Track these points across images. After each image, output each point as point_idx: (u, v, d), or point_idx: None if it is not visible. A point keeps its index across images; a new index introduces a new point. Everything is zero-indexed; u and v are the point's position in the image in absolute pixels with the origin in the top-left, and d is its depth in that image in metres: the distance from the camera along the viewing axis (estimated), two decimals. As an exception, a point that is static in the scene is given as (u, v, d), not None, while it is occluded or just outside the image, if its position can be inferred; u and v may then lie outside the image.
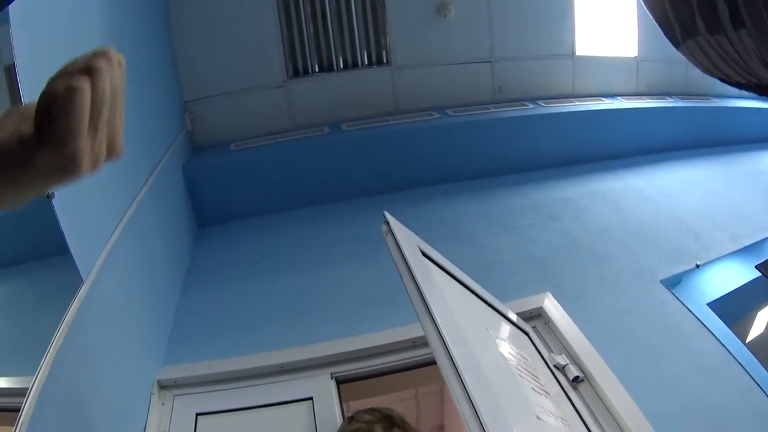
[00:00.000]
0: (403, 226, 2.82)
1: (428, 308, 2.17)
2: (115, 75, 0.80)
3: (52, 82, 0.75)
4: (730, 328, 4.68)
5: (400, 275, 2.40)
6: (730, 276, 5.61)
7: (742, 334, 5.96)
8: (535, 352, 3.61)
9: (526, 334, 3.75)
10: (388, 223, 2.71)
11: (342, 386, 3.74)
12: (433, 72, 7.48)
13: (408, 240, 2.67)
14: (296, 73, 6.84)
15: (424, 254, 2.78)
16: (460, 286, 3.14)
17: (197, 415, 3.48)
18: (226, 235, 6.07)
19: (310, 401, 3.55)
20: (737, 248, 5.96)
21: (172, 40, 6.31)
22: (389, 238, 2.61)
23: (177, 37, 6.33)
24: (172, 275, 4.89)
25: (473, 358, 2.08)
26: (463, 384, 1.90)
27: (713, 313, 4.86)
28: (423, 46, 7.38)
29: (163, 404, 3.53)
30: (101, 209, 3.41)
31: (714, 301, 5.08)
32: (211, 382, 3.71)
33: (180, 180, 5.83)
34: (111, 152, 0.83)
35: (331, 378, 3.71)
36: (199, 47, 6.46)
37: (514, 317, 3.71)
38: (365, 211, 6.10)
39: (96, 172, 0.80)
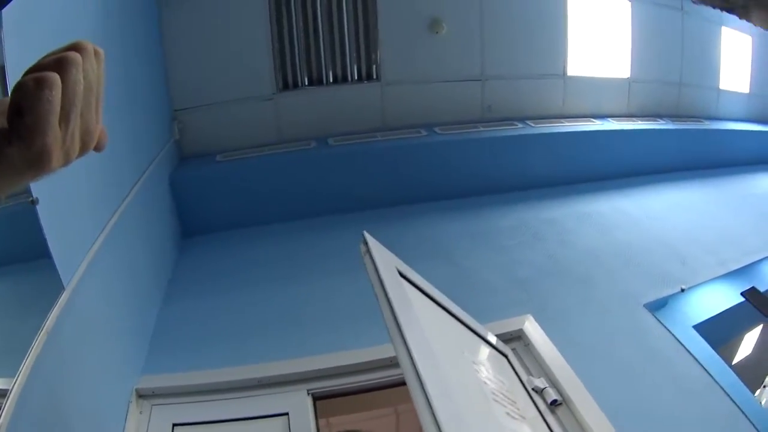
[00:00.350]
0: (382, 247, 2.85)
1: (401, 332, 2.21)
2: (90, 67, 0.82)
3: (24, 76, 0.75)
4: (715, 351, 4.73)
5: (377, 297, 2.43)
6: (717, 299, 5.66)
7: (728, 356, 6.01)
8: (514, 375, 3.65)
9: (505, 356, 3.79)
10: (366, 243, 2.74)
11: (319, 402, 3.78)
12: (422, 89, 7.53)
13: (386, 261, 2.71)
14: (286, 86, 6.86)
15: (403, 275, 2.81)
16: (439, 309, 3.18)
17: (174, 425, 3.53)
18: (210, 246, 6.09)
19: (286, 416, 3.60)
20: (725, 272, 5.99)
21: (164, 49, 6.33)
22: (367, 259, 2.64)
23: (169, 46, 6.36)
24: (154, 284, 4.92)
25: (443, 383, 2.11)
26: (431, 409, 1.94)
27: (699, 335, 4.91)
28: (413, 63, 7.43)
29: (140, 413, 3.57)
30: (85, 216, 3.46)
31: (700, 323, 5.14)
32: (188, 393, 3.76)
33: (166, 189, 5.86)
34: (85, 146, 0.84)
35: (308, 394, 3.75)
36: (191, 57, 6.49)
37: (493, 340, 3.75)
38: (350, 226, 5.80)
39: (68, 165, 0.82)
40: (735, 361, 6.74)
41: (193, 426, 3.54)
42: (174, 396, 3.73)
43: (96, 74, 0.83)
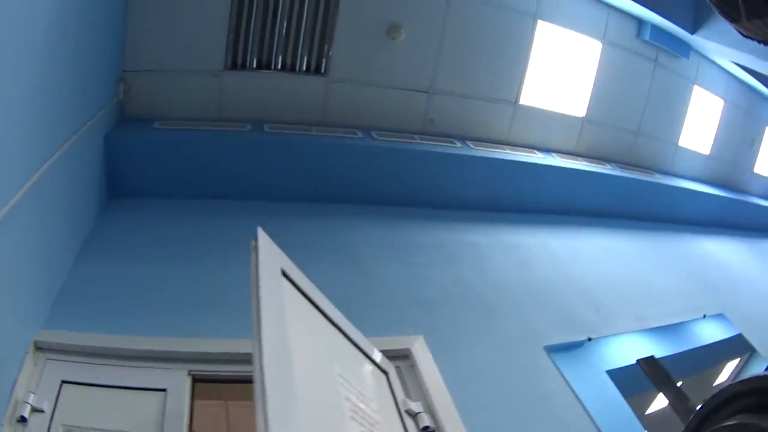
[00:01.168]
0: (273, 245, 2.99)
1: (259, 331, 2.36)
2: None
3: None
4: (626, 399, 4.97)
5: (251, 295, 2.57)
6: (624, 354, 5.79)
7: (642, 406, 6.23)
8: (389, 394, 3.80)
9: (386, 374, 3.92)
10: (257, 239, 2.85)
11: (198, 384, 3.93)
12: (367, 91, 7.65)
13: (271, 260, 2.85)
14: (234, 65, 6.96)
15: (289, 278, 2.97)
16: (321, 317, 3.30)
17: (62, 382, 3.65)
18: (133, 212, 6.10)
19: (164, 392, 3.74)
20: (640, 329, 6.17)
21: (127, 8, 6.31)
22: (253, 255, 2.76)
23: (133, 5, 6.33)
24: (69, 241, 5.00)
25: (288, 389, 2.26)
26: (265, 412, 2.03)
27: (610, 380, 5.18)
28: (364, 64, 7.55)
29: (35, 365, 3.71)
30: (12, 163, 3.57)
31: (613, 370, 5.36)
32: (80, 353, 3.88)
33: (99, 147, 5.90)
34: None
35: (188, 375, 3.90)
36: (152, 20, 6.48)
37: (377, 356, 3.89)
38: (272, 215, 6.01)
39: None
40: (648, 411, 6.97)
41: (79, 385, 3.67)
42: (67, 354, 3.86)
43: None
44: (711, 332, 7.04)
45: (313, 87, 7.44)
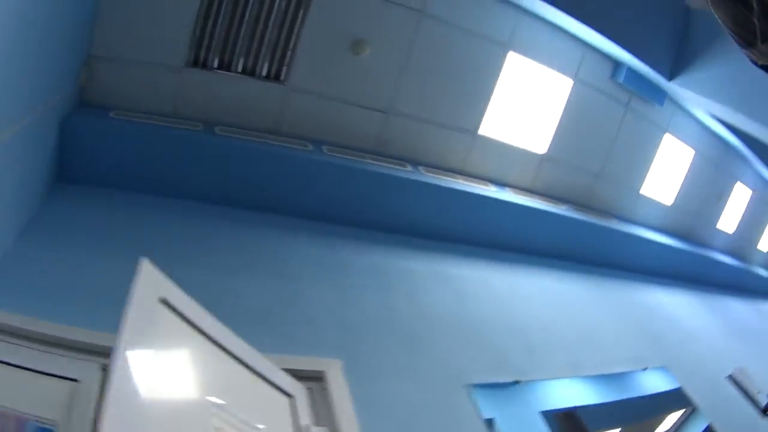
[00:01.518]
0: (157, 274, 3.08)
1: (112, 369, 2.39)
2: None
3: None
4: None
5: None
6: (558, 397, 5.99)
7: None
8: (290, 420, 3.88)
9: (291, 397, 3.99)
10: (140, 269, 2.91)
11: None
12: (323, 104, 7.73)
13: (148, 290, 2.91)
14: (195, 63, 7.01)
15: (171, 306, 3.05)
16: (210, 345, 3.39)
17: None
18: (80, 199, 6.12)
19: (76, 383, 3.81)
20: (573, 375, 6.26)
21: None
22: (131, 285, 2.78)
23: None
24: (11, 220, 5.06)
25: (129, 420, 2.30)
26: None
27: (543, 421, 5.36)
28: (324, 76, 7.61)
29: None
30: None
31: (548, 411, 5.49)
32: (2, 331, 3.98)
33: (54, 131, 5.97)
34: None
35: (101, 368, 3.92)
36: (121, 8, 6.53)
37: (282, 380, 3.95)
38: (212, 219, 6.40)
39: None
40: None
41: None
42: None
43: None
44: (651, 384, 7.21)
45: (269, 93, 7.51)
